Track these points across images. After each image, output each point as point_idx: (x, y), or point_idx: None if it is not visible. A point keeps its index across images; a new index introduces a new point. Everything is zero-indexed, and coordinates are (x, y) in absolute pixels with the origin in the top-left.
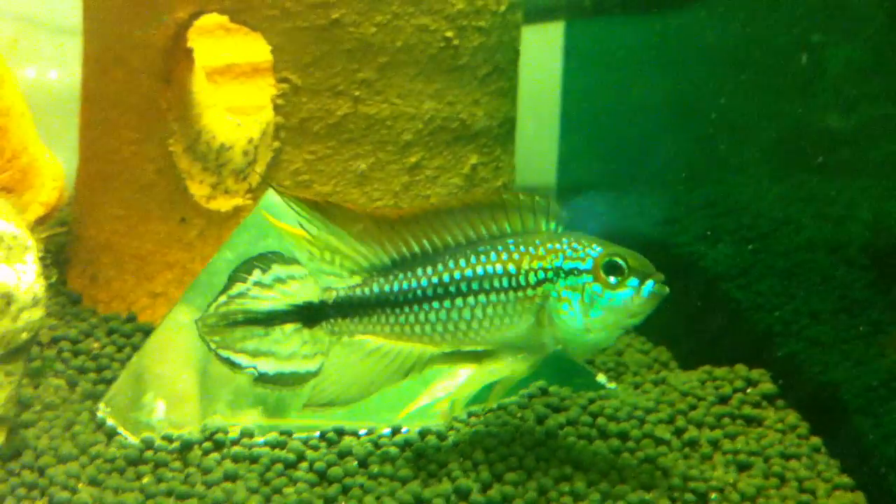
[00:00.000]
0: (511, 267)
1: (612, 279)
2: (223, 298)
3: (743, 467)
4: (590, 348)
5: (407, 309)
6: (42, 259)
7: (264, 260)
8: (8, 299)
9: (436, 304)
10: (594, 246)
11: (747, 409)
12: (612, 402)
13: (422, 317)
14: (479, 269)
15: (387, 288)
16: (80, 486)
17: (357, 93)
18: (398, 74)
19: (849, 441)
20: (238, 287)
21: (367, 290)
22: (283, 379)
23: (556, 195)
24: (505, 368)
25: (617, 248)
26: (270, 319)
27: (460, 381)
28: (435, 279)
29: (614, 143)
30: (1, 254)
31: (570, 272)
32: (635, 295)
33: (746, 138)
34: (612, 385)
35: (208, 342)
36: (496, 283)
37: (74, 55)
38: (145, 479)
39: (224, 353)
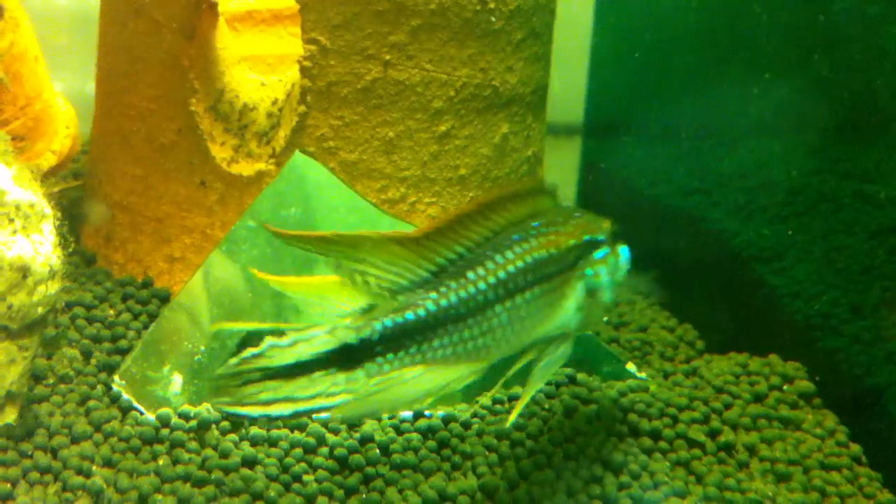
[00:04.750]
0: (553, 249)
1: (618, 247)
2: (234, 360)
3: (782, 478)
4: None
5: (471, 320)
6: (59, 227)
7: (276, 332)
8: (24, 272)
9: (498, 308)
10: (598, 217)
11: (784, 410)
12: (644, 397)
13: (484, 325)
14: (529, 259)
15: (443, 302)
16: (94, 468)
17: (388, 57)
18: (431, 38)
19: (893, 452)
20: (250, 350)
21: (419, 310)
22: (295, 417)
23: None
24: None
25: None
26: (294, 372)
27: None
28: (492, 279)
29: (643, 90)
30: (18, 223)
31: (595, 245)
32: (626, 260)
33: (782, 100)
34: (643, 375)
35: (216, 404)
36: (546, 270)
37: None
38: (161, 461)
39: (231, 409)
